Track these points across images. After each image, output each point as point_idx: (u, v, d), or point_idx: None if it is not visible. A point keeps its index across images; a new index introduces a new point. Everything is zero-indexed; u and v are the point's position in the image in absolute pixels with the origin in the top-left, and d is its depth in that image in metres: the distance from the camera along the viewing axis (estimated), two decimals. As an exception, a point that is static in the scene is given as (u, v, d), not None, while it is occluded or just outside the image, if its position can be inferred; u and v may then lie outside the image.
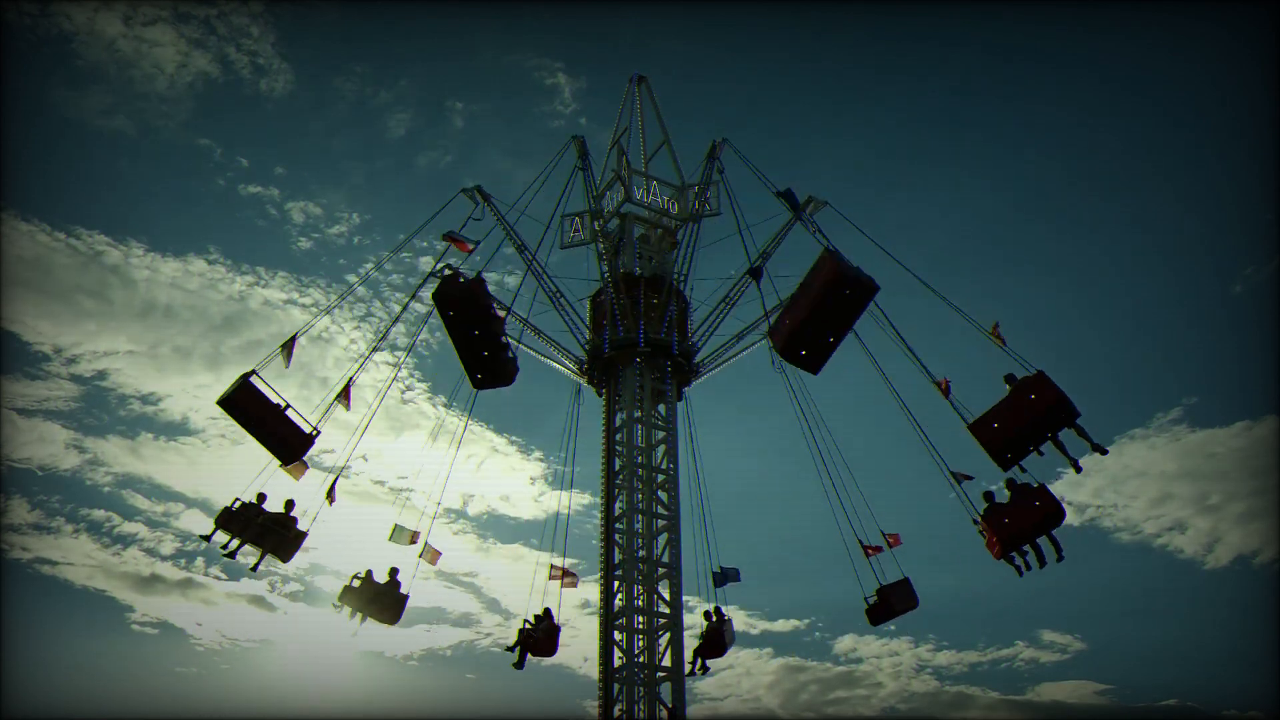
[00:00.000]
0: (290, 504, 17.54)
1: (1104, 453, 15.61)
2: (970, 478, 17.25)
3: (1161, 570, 51.13)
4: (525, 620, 20.04)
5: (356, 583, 18.08)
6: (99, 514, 46.56)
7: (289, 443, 16.61)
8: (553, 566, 20.67)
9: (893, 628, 49.78)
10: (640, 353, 21.40)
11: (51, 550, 44.90)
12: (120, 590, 46.90)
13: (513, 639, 19.85)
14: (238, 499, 16.90)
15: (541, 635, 19.76)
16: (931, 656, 49.93)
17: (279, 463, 16.83)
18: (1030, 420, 15.20)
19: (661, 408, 21.82)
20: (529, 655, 19.74)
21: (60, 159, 48.80)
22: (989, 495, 16.57)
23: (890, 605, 19.51)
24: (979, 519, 16.37)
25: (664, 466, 21.20)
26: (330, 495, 17.56)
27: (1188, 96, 53.59)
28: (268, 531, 17.05)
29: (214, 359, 49.54)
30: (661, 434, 21.54)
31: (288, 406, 16.59)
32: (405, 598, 18.55)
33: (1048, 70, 56.68)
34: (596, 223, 22.89)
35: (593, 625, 20.14)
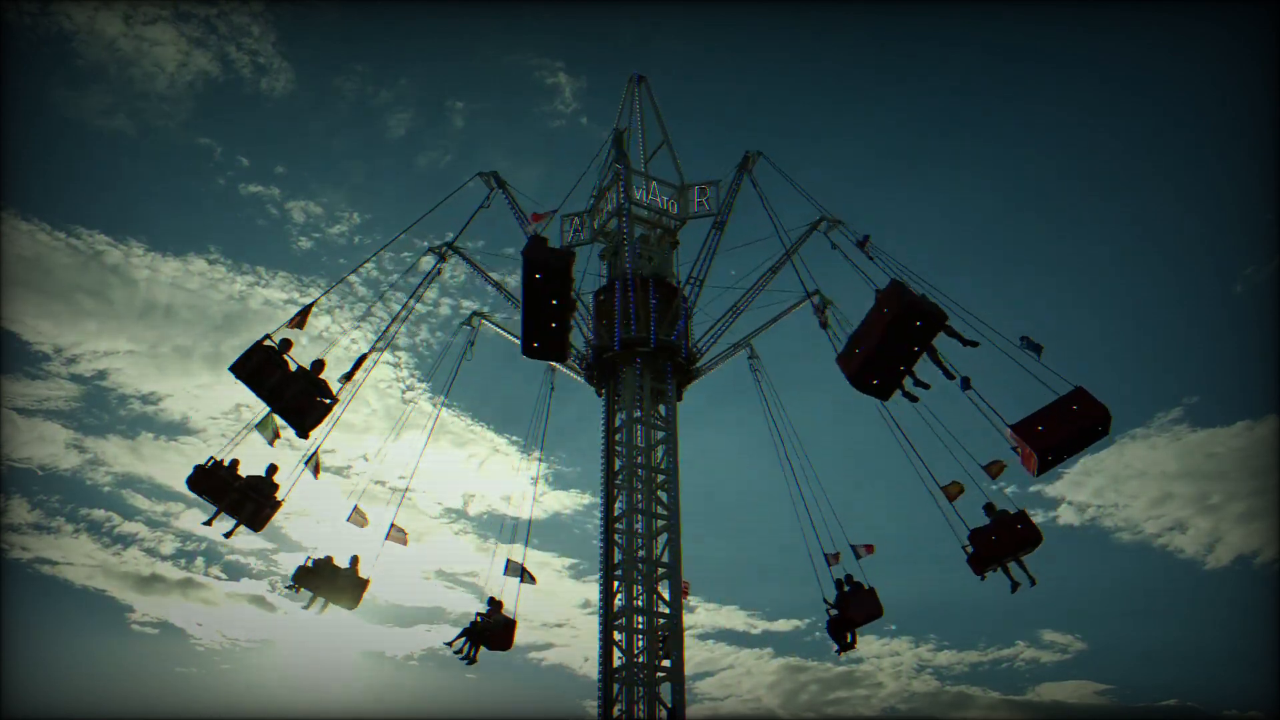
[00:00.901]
0: (273, 468, 17.08)
1: (975, 345, 15.34)
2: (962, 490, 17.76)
3: (1162, 570, 51.19)
4: (477, 614, 20.09)
5: (311, 563, 17.76)
6: (99, 514, 46.64)
7: (304, 410, 16.14)
8: (510, 561, 20.60)
9: (893, 627, 49.97)
10: (640, 353, 21.40)
11: (51, 550, 44.99)
12: (120, 590, 46.99)
13: (455, 634, 19.87)
14: (211, 458, 16.45)
15: (497, 628, 19.77)
16: (932, 656, 50.00)
17: (295, 433, 16.33)
18: (888, 330, 14.79)
19: (661, 408, 21.82)
20: (480, 649, 19.85)
21: (60, 158, 48.88)
22: (990, 507, 17.16)
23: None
24: (970, 540, 17.00)
25: (664, 466, 21.19)
26: (316, 469, 17.31)
27: (1188, 96, 53.63)
28: (245, 498, 16.52)
29: (214, 359, 49.54)
30: (662, 434, 21.54)
31: (305, 371, 16.12)
32: (365, 582, 18.33)
33: (1048, 70, 56.72)
34: (617, 221, 22.91)
35: (593, 625, 20.16)
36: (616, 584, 19.92)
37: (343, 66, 55.89)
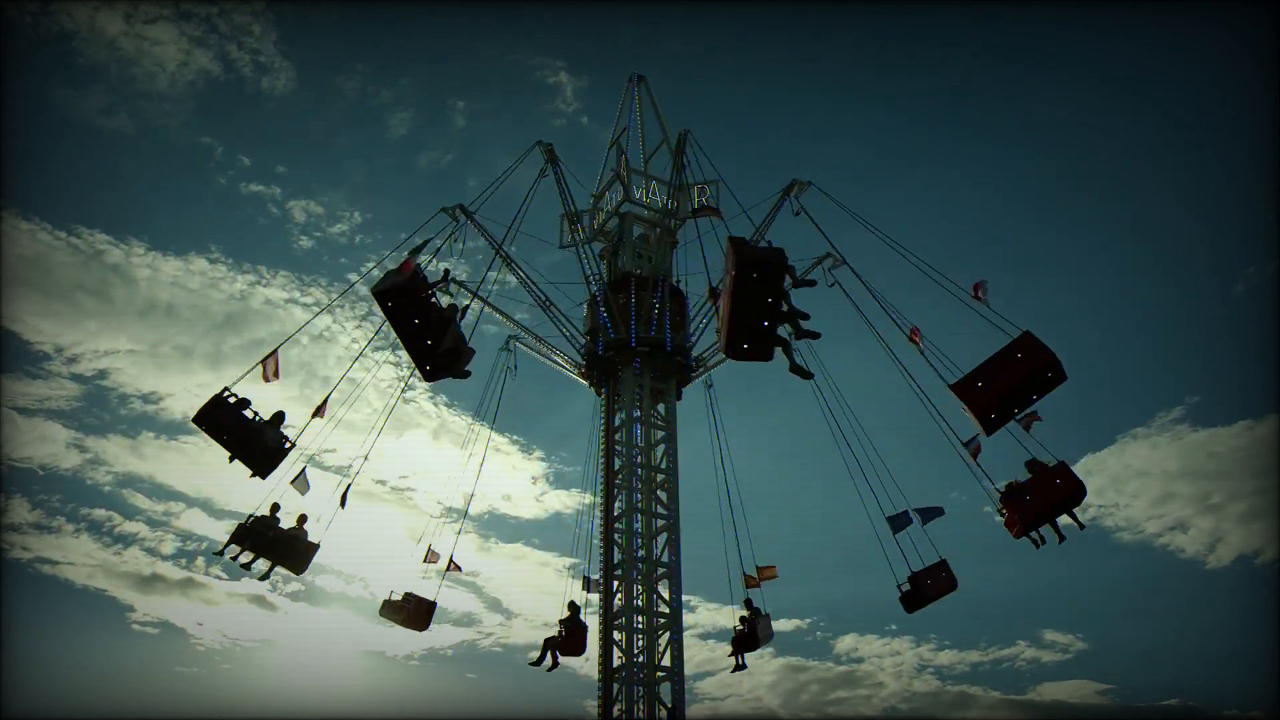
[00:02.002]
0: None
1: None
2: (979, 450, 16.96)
3: (1163, 570, 51.14)
4: (560, 622, 20.22)
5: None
6: (100, 513, 46.60)
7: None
8: (586, 578, 20.86)
9: (894, 626, 49.93)
10: (639, 353, 21.40)
11: (52, 550, 44.93)
12: (121, 590, 46.93)
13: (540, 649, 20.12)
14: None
15: (566, 635, 19.99)
16: (933, 656, 49.94)
17: (251, 474, 16.87)
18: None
19: (661, 407, 21.82)
20: (559, 656, 20.01)
21: (61, 158, 48.84)
22: (1011, 486, 16.35)
23: (923, 591, 18.77)
24: (1001, 503, 16.23)
25: (664, 466, 21.20)
26: (343, 501, 17.67)
27: (1187, 96, 53.58)
28: (280, 544, 17.29)
29: (215, 358, 49.56)
30: (661, 433, 21.55)
31: (258, 419, 16.77)
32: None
33: (1048, 70, 56.68)
34: (597, 221, 22.93)
35: (592, 625, 20.14)
36: (616, 584, 19.93)
37: (344, 66, 55.88)
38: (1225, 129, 51.78)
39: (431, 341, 15.36)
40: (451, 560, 20.60)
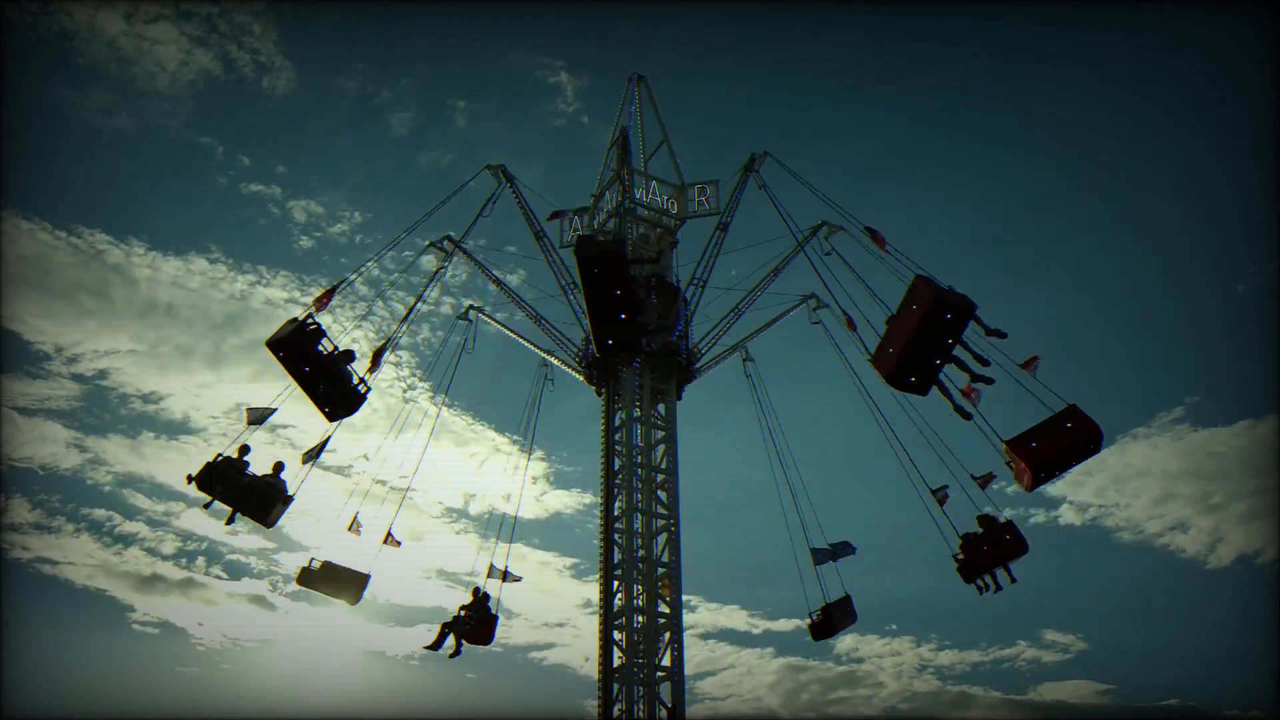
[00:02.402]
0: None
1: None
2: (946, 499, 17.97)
3: (1163, 570, 51.17)
4: (461, 608, 19.05)
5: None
6: (100, 513, 46.63)
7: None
8: (492, 566, 19.95)
9: (894, 627, 49.94)
10: (640, 353, 21.40)
11: (52, 550, 44.96)
12: (121, 590, 46.98)
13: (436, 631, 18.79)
14: (220, 454, 16.21)
15: (476, 622, 18.91)
16: (933, 656, 49.96)
17: (325, 418, 16.29)
18: (920, 325, 14.66)
19: (661, 407, 21.82)
20: (463, 643, 18.70)
21: (61, 158, 48.88)
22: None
23: (832, 621, 20.78)
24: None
25: (663, 466, 21.19)
26: (388, 538, 17.96)
27: (1188, 96, 53.59)
28: (251, 491, 16.30)
29: (215, 358, 49.62)
30: (661, 433, 21.54)
31: (343, 357, 16.03)
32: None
33: (1048, 70, 56.68)
34: (618, 219, 22.91)
35: (593, 624, 20.15)
36: (616, 584, 19.92)
37: (344, 65, 55.90)
38: (1225, 129, 51.82)
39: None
40: (506, 571, 20.22)
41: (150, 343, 48.55)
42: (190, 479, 16.10)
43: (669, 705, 19.12)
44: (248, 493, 16.33)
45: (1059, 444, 15.41)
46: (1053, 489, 48.84)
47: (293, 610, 46.67)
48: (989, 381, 15.39)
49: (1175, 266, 55.58)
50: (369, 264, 19.55)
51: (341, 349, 16.27)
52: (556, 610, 50.88)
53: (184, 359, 49.74)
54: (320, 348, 15.97)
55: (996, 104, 58.47)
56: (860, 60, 60.38)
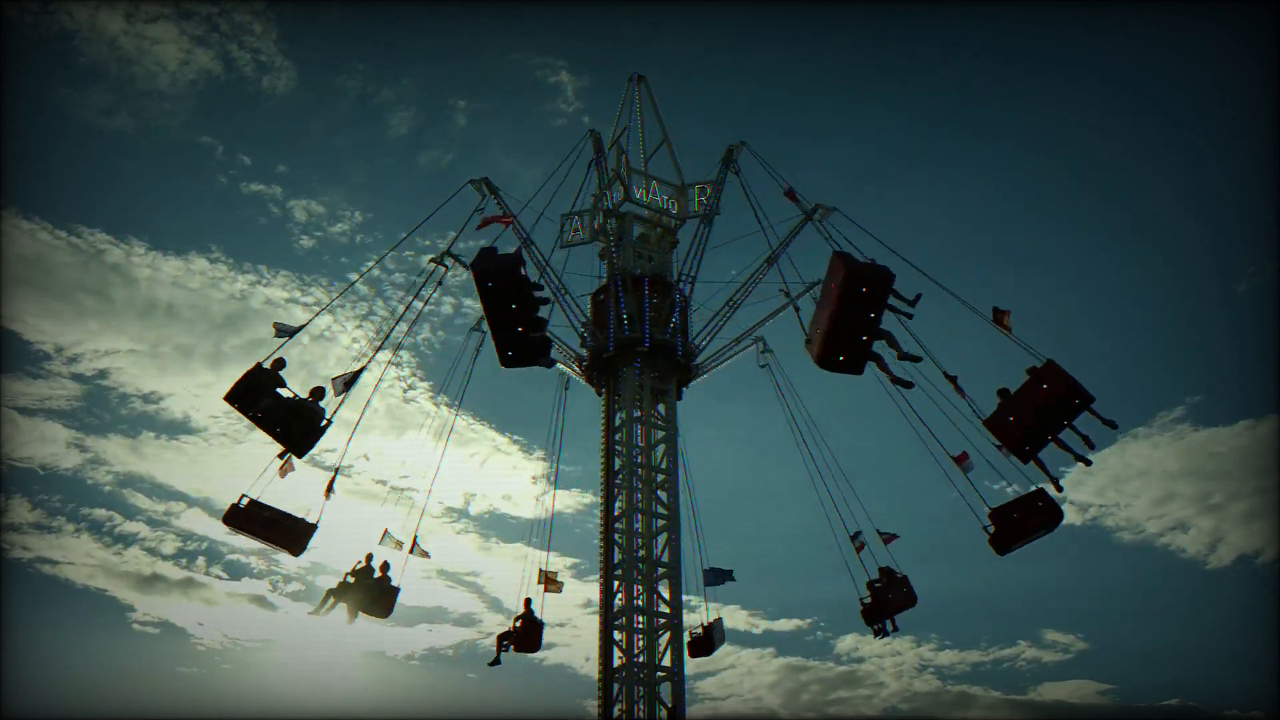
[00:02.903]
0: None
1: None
2: (969, 465, 17.55)
3: (1163, 570, 51.19)
4: (516, 618, 20.20)
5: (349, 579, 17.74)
6: (100, 513, 46.64)
7: (296, 435, 16.08)
8: (542, 571, 20.76)
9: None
10: (640, 352, 21.40)
11: (52, 550, 44.98)
12: (121, 590, 47.00)
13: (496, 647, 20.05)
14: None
15: (522, 632, 19.95)
16: (934, 656, 49.96)
17: (288, 454, 16.23)
18: (1045, 409, 15.04)
19: (661, 407, 21.82)
20: (510, 650, 19.95)
21: (61, 157, 48.91)
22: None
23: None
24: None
25: (664, 466, 21.19)
26: (329, 490, 17.34)
27: (1188, 96, 53.63)
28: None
29: (216, 358, 49.60)
30: (661, 433, 21.54)
31: (296, 399, 16.02)
32: (396, 590, 17.81)
33: (1048, 70, 56.72)
34: (605, 220, 22.90)
35: (593, 624, 20.16)
36: (616, 584, 19.93)
37: (345, 65, 55.96)
38: (1226, 128, 51.86)
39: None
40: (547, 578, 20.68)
41: (150, 343, 48.62)
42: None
43: (669, 705, 19.13)
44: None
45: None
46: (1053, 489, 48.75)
47: (293, 610, 46.75)
48: (917, 359, 15.44)
49: (1176, 266, 55.67)
50: (368, 268, 19.51)
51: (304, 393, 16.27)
52: (557, 610, 50.80)
53: (184, 359, 49.82)
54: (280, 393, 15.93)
55: (996, 104, 58.60)
56: (860, 60, 60.49)
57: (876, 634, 20.33)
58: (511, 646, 19.95)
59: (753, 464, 57.75)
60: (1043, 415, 15.14)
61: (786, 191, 20.93)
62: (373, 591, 17.70)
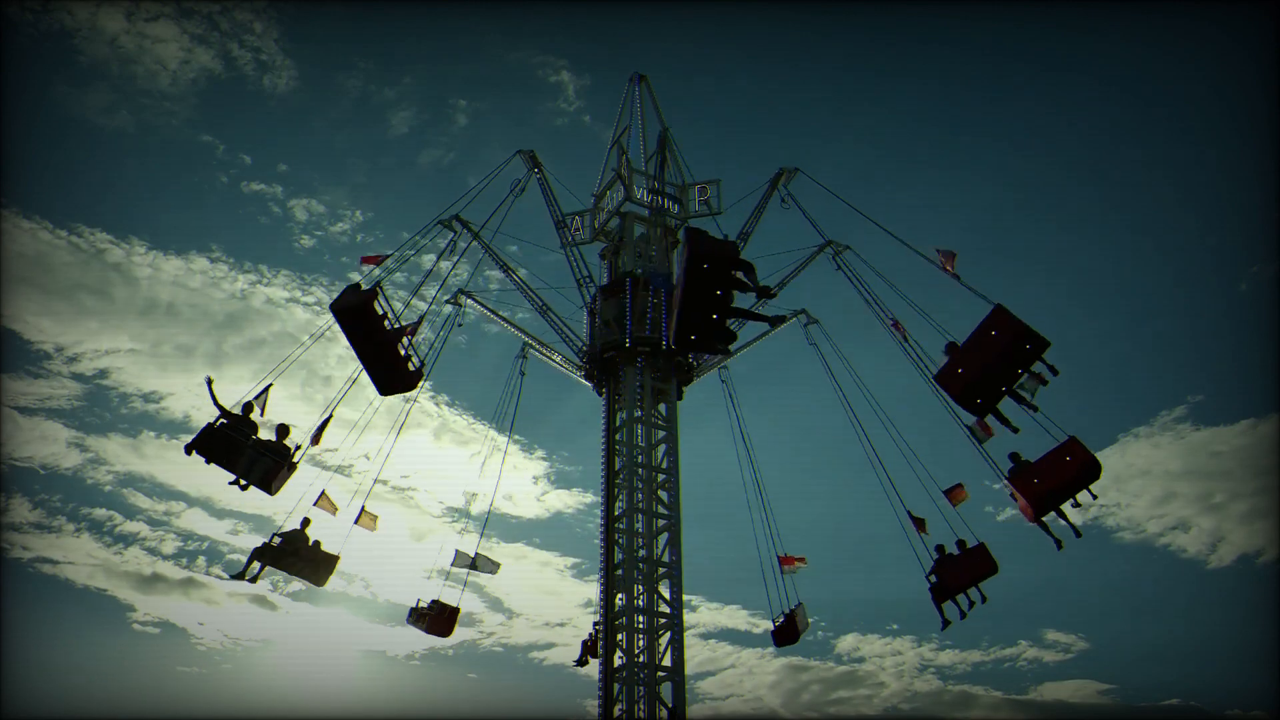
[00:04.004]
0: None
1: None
2: (925, 529, 18.59)
3: (1164, 570, 51.12)
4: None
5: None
6: (100, 513, 46.64)
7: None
8: (460, 552, 21.77)
9: (895, 626, 49.91)
10: (642, 352, 21.40)
11: (53, 549, 44.98)
12: (122, 590, 46.98)
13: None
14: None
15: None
16: (934, 656, 49.94)
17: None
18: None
19: (662, 407, 21.80)
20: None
21: (62, 156, 48.85)
22: (1015, 456, 16.40)
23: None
24: (1009, 481, 16.41)
25: (664, 466, 21.18)
26: (317, 438, 17.38)
27: (1189, 97, 53.55)
28: (301, 559, 17.53)
29: (216, 357, 49.61)
30: (662, 433, 21.53)
31: (405, 330, 16.35)
32: (334, 559, 18.40)
33: (1048, 70, 56.67)
34: (598, 221, 22.95)
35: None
36: (617, 584, 19.90)
37: (346, 64, 55.98)
38: (1229, 128, 51.76)
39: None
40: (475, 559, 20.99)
41: (151, 342, 48.62)
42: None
43: (669, 705, 19.12)
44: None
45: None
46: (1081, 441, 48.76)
47: (293, 610, 46.72)
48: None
49: (1177, 266, 55.60)
50: (406, 241, 19.47)
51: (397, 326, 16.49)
52: (557, 610, 50.93)
53: (185, 358, 49.79)
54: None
55: (996, 104, 58.53)
56: (860, 60, 60.44)
57: (946, 624, 18.42)
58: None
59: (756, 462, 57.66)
60: (994, 364, 14.97)
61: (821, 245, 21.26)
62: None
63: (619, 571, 19.94)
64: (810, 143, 59.39)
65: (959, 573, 17.48)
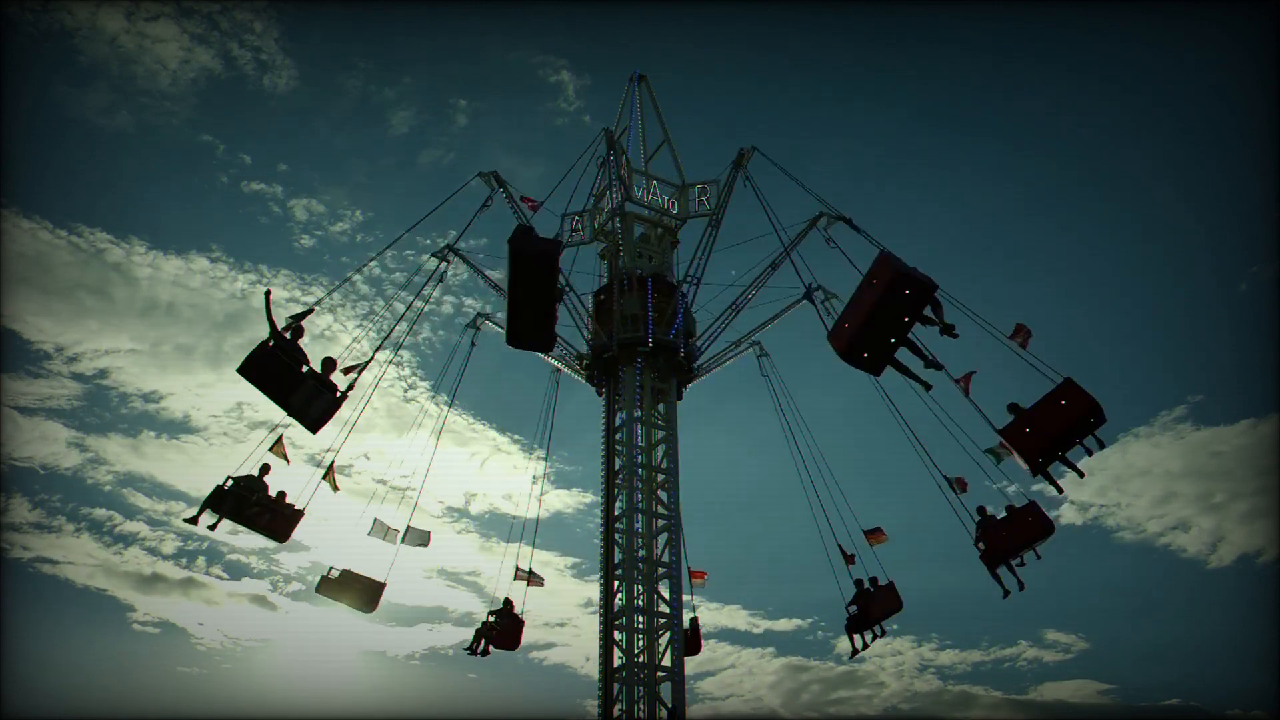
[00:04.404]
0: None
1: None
2: (966, 487, 17.80)
3: (1164, 570, 51.16)
4: (489, 614, 20.87)
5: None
6: (100, 513, 46.58)
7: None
8: (519, 569, 21.24)
9: (895, 626, 49.86)
10: (642, 352, 21.39)
11: (52, 549, 44.90)
12: (121, 590, 46.93)
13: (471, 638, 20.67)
14: (230, 477, 16.07)
15: (502, 629, 20.62)
16: (934, 656, 49.93)
17: (306, 429, 15.59)
18: (1065, 426, 15.06)
19: (662, 407, 21.80)
20: (491, 648, 20.68)
21: (62, 156, 48.81)
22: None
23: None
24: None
25: (664, 466, 21.18)
26: (332, 481, 17.25)
27: (1188, 96, 53.58)
28: (263, 511, 16.32)
29: (216, 357, 49.57)
30: (662, 433, 21.52)
31: (309, 370, 15.35)
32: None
33: (1048, 70, 56.71)
34: (610, 220, 22.93)
35: (593, 624, 20.15)
36: (616, 583, 19.91)
37: (346, 64, 55.98)
38: (1229, 128, 51.80)
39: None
40: (531, 573, 21.27)
41: (151, 342, 48.57)
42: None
43: (669, 705, 19.11)
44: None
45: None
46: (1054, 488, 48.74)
47: (293, 610, 46.69)
48: (938, 367, 15.52)
49: (1177, 265, 55.64)
50: (371, 264, 19.51)
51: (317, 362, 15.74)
52: (557, 610, 50.90)
53: (185, 358, 49.76)
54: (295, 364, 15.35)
55: (996, 103, 58.59)
56: (860, 60, 60.46)
57: (854, 655, 20.40)
58: (488, 644, 20.62)
59: (753, 462, 57.77)
60: (1060, 431, 15.11)
61: (814, 218, 20.87)
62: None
63: (619, 571, 19.95)
64: (811, 142, 59.47)
65: (1010, 534, 16.84)
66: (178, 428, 48.84)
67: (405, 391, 46.99)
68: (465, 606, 51.47)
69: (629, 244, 23.08)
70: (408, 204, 60.33)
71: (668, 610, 19.87)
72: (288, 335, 15.11)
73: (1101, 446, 15.39)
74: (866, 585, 20.34)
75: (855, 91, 61.67)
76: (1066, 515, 50.17)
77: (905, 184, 59.31)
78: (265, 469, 16.53)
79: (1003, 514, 17.15)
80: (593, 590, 20.85)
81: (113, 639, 46.27)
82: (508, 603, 20.88)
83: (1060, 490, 16.10)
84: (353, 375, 16.17)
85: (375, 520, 18.97)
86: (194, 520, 16.04)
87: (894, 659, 49.94)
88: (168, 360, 49.17)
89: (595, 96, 54.19)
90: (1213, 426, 49.95)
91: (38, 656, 40.10)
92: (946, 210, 59.43)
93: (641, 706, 18.79)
